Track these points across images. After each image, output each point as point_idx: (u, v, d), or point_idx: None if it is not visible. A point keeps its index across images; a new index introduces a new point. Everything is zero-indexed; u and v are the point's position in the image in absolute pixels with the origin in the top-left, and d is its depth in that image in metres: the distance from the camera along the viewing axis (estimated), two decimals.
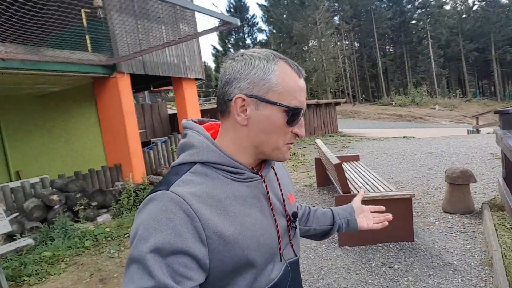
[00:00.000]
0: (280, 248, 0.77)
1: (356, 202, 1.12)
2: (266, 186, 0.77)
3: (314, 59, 37.71)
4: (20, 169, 7.92)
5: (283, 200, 0.82)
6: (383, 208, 1.11)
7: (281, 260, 0.78)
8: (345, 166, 5.11)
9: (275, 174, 0.84)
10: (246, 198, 0.72)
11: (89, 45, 6.10)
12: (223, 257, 0.65)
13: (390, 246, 3.33)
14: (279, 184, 0.83)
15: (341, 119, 26.06)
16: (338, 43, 42.57)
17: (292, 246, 0.83)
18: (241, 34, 50.85)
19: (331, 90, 39.37)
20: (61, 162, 8.58)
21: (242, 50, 0.75)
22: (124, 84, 6.41)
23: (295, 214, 0.83)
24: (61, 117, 8.64)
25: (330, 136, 14.60)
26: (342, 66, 39.77)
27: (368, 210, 1.10)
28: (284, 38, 43.62)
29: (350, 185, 3.86)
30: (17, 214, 4.83)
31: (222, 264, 0.65)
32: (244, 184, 0.73)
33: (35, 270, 3.55)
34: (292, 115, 0.70)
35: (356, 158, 5.58)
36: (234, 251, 0.66)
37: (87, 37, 6.11)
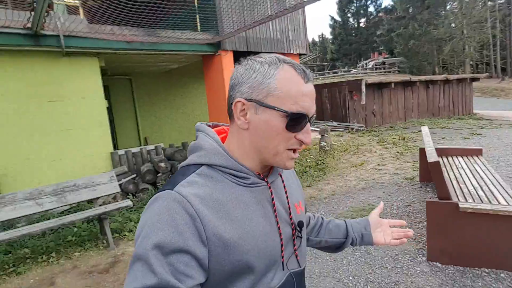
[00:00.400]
0: (282, 257, 0.77)
1: (373, 215, 1.08)
2: (271, 193, 0.77)
3: (453, 25, 31.83)
4: (148, 135, 9.33)
5: (289, 208, 0.81)
6: (403, 222, 1.06)
7: (283, 269, 0.77)
8: (459, 161, 4.18)
9: (282, 181, 0.83)
10: (250, 203, 0.72)
11: (198, 25, 6.51)
12: (222, 260, 0.65)
13: (502, 275, 2.60)
14: (286, 192, 0.82)
15: (480, 98, 21.69)
16: (490, 3, 34.58)
17: (296, 256, 0.82)
18: (363, 1, 46.65)
19: (471, 62, 32.87)
20: (178, 132, 9.76)
21: (251, 56, 0.75)
22: (227, 61, 6.68)
23: (301, 223, 0.83)
24: (179, 90, 9.72)
25: (459, 118, 12.34)
26: (491, 32, 32.43)
27: (387, 224, 1.07)
28: (414, 2, 37.99)
29: (455, 188, 3.13)
30: (135, 175, 5.72)
31: (221, 267, 0.66)
32: (248, 189, 0.73)
33: (134, 227, 4.16)
34: (291, 120, 0.68)
35: (477, 152, 4.49)
36: (233, 255, 0.66)
37: (197, 17, 6.51)
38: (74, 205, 4.45)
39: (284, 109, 0.68)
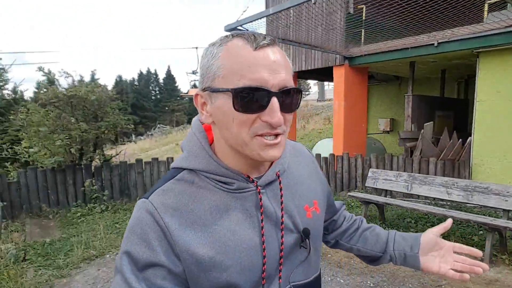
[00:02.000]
0: (280, 271, 0.68)
1: (430, 234, 0.84)
2: (260, 199, 0.66)
3: None
4: None
5: (289, 214, 0.70)
6: (479, 253, 0.83)
7: (279, 286, 0.68)
8: None
9: (279, 182, 0.70)
10: (234, 212, 0.64)
11: None
12: (198, 277, 0.60)
13: None
14: (281, 196, 0.69)
15: None
16: None
17: (292, 267, 0.71)
18: None
19: None
20: None
21: None
22: None
23: (306, 231, 0.70)
24: None
25: None
26: None
27: (450, 248, 0.83)
28: None
29: None
30: None
31: (199, 286, 0.61)
32: (233, 195, 0.65)
33: None
34: (237, 98, 0.56)
35: None
36: (210, 273, 0.60)
37: None
38: (477, 206, 4.18)
39: (227, 87, 0.57)
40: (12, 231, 4.63)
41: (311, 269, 0.76)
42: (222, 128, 0.62)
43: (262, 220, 0.66)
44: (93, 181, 5.72)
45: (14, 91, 9.53)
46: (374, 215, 4.92)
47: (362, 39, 6.95)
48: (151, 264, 0.59)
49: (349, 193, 4.86)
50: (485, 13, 5.36)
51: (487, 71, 5.24)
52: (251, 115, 0.58)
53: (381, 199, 4.45)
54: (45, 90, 6.02)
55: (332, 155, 6.72)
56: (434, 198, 4.39)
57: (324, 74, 8.35)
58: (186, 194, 0.64)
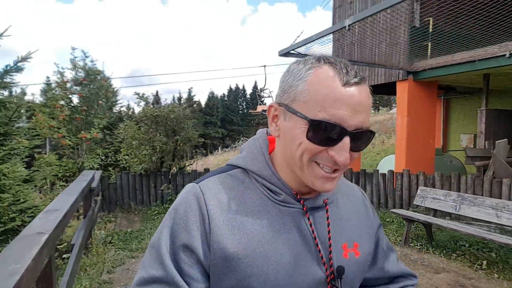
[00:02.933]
0: None
1: None
2: (308, 218, 0.65)
3: None
4: None
5: (329, 246, 0.66)
6: None
7: None
8: None
9: (326, 211, 0.69)
10: (273, 222, 0.63)
11: None
12: (221, 273, 0.60)
13: None
14: (328, 225, 0.67)
15: None
16: None
17: None
18: None
19: None
20: None
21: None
22: None
23: (340, 269, 0.65)
24: None
25: None
26: None
27: None
28: None
29: None
30: None
31: (219, 282, 0.60)
32: (278, 206, 0.65)
33: None
34: (312, 129, 0.57)
35: None
36: (234, 272, 0.59)
37: None
38: None
39: (307, 115, 0.57)
40: (106, 221, 5.94)
41: None
42: (286, 146, 0.63)
43: (315, 238, 0.65)
44: (169, 185, 6.84)
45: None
46: (421, 235, 4.75)
47: (429, 52, 6.70)
48: (184, 247, 0.60)
49: (391, 210, 4.82)
50: None
51: None
52: (320, 147, 0.58)
53: (422, 217, 4.33)
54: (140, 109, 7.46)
55: (391, 171, 6.56)
56: (482, 221, 4.06)
57: (389, 88, 8.18)
58: (234, 190, 0.65)
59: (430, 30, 6.61)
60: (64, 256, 3.84)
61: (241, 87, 57.26)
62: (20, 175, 4.14)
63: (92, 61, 8.71)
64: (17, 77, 4.68)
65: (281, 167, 0.67)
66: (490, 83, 7.01)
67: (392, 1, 4.03)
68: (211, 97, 52.82)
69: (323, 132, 0.56)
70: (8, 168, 3.87)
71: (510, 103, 8.41)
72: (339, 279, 0.65)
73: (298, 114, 0.58)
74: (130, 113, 13.60)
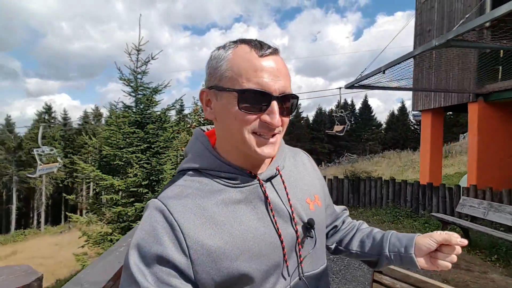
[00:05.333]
0: (285, 260, 0.69)
1: (430, 239, 0.77)
2: (264, 191, 0.70)
3: None
4: None
5: (291, 205, 0.73)
6: (464, 242, 0.75)
7: (288, 273, 0.70)
8: None
9: (280, 176, 0.75)
10: (239, 205, 0.68)
11: None
12: (209, 269, 0.62)
13: None
14: (285, 188, 0.74)
15: None
16: None
17: (301, 258, 0.73)
18: None
19: None
20: None
21: None
22: None
23: (311, 221, 0.74)
24: None
25: None
26: None
27: (454, 247, 0.76)
28: None
29: None
30: None
31: (210, 277, 0.62)
32: (238, 189, 0.69)
33: None
34: (242, 98, 0.63)
35: None
36: (221, 263, 0.62)
37: None
38: None
39: (235, 88, 0.63)
40: None
41: (318, 260, 0.78)
42: (224, 125, 0.68)
43: (271, 210, 0.70)
44: None
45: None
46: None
47: (500, 75, 7.07)
48: (157, 258, 0.60)
49: (431, 213, 5.71)
50: None
51: None
52: (253, 115, 0.63)
53: (451, 219, 5.21)
54: None
55: (458, 186, 7.13)
56: (501, 224, 4.67)
57: (461, 108, 8.51)
58: (193, 191, 0.67)
59: (501, 55, 7.00)
60: None
61: (349, 102, 57.09)
62: (170, 172, 6.87)
63: None
64: (158, 96, 7.25)
65: (228, 152, 0.71)
66: None
67: (467, 27, 3.88)
68: (319, 113, 54.34)
69: (252, 100, 0.63)
70: (167, 167, 6.62)
71: None
72: (312, 229, 0.74)
73: (227, 89, 0.63)
74: None
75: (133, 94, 7.20)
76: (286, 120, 0.69)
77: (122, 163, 6.43)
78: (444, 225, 5.40)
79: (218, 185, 0.69)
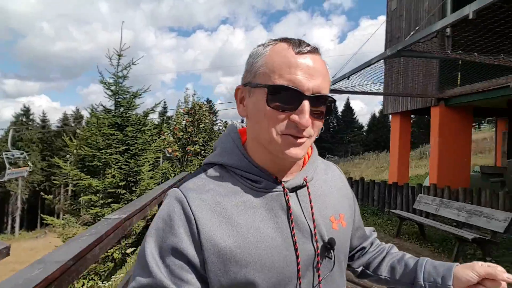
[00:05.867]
0: (299, 278, 0.65)
1: (472, 271, 0.71)
2: (288, 200, 0.67)
3: None
4: None
5: (313, 221, 0.69)
6: (511, 278, 0.67)
7: None
8: None
9: (307, 187, 0.71)
10: (259, 210, 0.65)
11: None
12: (217, 270, 0.61)
13: None
14: (310, 201, 0.70)
15: None
16: None
17: (319, 278, 0.68)
18: None
19: None
20: None
21: None
22: None
23: (331, 241, 0.69)
24: None
25: None
26: None
27: (499, 283, 0.69)
28: None
29: None
30: None
31: (218, 278, 0.61)
32: (260, 194, 0.66)
33: None
34: (271, 95, 0.60)
35: None
36: (230, 266, 0.61)
37: None
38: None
39: (266, 83, 0.61)
40: None
41: (334, 284, 0.72)
42: (253, 123, 0.65)
43: (292, 221, 0.66)
44: None
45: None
46: (416, 232, 5.98)
47: (459, 81, 7.62)
48: (172, 250, 0.60)
49: (390, 210, 6.16)
50: None
51: None
52: (282, 114, 0.60)
53: (408, 215, 5.68)
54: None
55: (420, 185, 7.64)
56: (449, 218, 5.16)
57: (426, 113, 9.09)
58: (215, 187, 0.66)
59: (460, 62, 7.55)
60: None
61: None
62: (148, 174, 7.10)
63: (198, 98, 12.20)
64: (138, 100, 7.45)
65: (256, 153, 0.68)
66: None
67: (414, 39, 4.19)
68: None
69: (283, 97, 0.60)
70: (144, 168, 6.84)
71: None
72: (332, 250, 0.69)
73: (259, 85, 0.61)
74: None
75: (113, 97, 7.38)
76: (319, 123, 0.64)
77: (101, 164, 6.61)
78: (402, 221, 5.85)
79: (241, 185, 0.67)
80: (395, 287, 0.83)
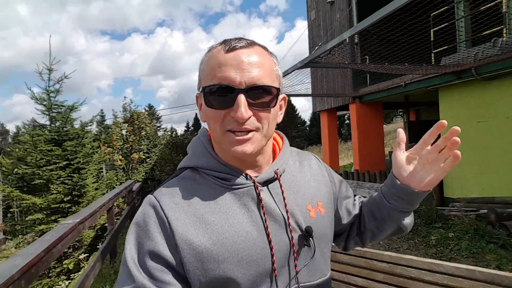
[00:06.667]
0: (274, 270, 0.66)
1: (396, 157, 0.74)
2: (258, 193, 0.68)
3: None
4: None
5: (287, 211, 0.70)
6: (456, 129, 0.65)
7: (280, 284, 0.67)
8: None
9: (278, 180, 0.72)
10: (232, 207, 0.67)
11: None
12: (196, 269, 0.62)
13: None
14: (283, 192, 0.71)
15: None
16: None
17: (296, 267, 0.69)
18: None
19: None
20: None
21: None
22: None
23: (308, 229, 0.70)
24: None
25: None
26: None
27: (423, 148, 0.71)
28: None
29: None
30: None
31: (197, 278, 0.62)
32: (231, 191, 0.68)
33: None
34: (205, 95, 0.64)
35: None
36: (208, 264, 0.62)
37: None
38: None
39: (203, 85, 0.65)
40: None
41: (317, 272, 0.73)
42: (208, 125, 0.69)
43: (264, 214, 0.67)
44: None
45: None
46: None
47: (368, 81, 8.94)
48: (150, 253, 0.61)
49: None
50: (433, 59, 6.82)
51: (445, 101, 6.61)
52: (221, 111, 0.63)
53: None
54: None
55: (346, 171, 8.83)
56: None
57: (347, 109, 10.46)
58: (187, 189, 0.68)
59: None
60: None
61: None
62: (93, 185, 7.26)
63: (136, 106, 12.25)
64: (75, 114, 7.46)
65: (222, 153, 0.70)
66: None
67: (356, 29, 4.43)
68: None
69: (216, 95, 0.62)
70: (89, 181, 7.01)
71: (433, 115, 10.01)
72: (310, 238, 0.69)
73: (200, 89, 0.66)
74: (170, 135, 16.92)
75: (47, 113, 7.36)
76: (264, 114, 0.65)
77: (43, 180, 6.64)
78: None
79: (212, 185, 0.68)
80: (385, 228, 0.82)
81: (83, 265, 5.16)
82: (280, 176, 0.72)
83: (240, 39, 0.65)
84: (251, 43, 0.66)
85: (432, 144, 0.70)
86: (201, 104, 0.69)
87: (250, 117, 0.63)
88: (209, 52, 0.67)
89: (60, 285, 4.14)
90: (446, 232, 4.59)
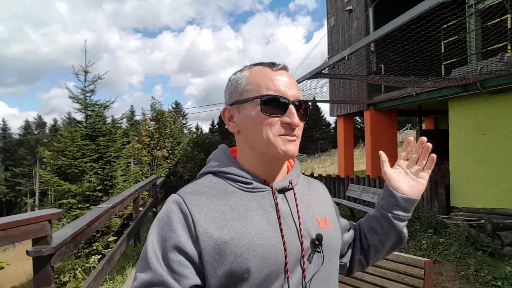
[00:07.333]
0: (287, 271, 0.69)
1: (384, 174, 0.87)
2: (275, 198, 0.74)
3: None
4: None
5: (299, 218, 0.75)
6: (423, 139, 0.83)
7: (288, 285, 0.69)
8: None
9: (294, 193, 0.78)
10: (250, 206, 0.72)
11: None
12: (214, 261, 0.65)
13: None
14: (296, 200, 0.77)
15: None
16: None
17: (304, 271, 0.71)
18: None
19: None
20: None
21: None
22: None
23: (319, 236, 0.75)
24: None
25: None
26: None
27: (405, 163, 0.89)
28: None
29: None
30: None
31: (213, 269, 0.65)
32: (251, 194, 0.74)
33: None
34: (264, 103, 0.71)
35: None
36: (226, 257, 0.65)
37: None
38: None
39: (257, 95, 0.72)
40: None
41: (327, 283, 0.77)
42: (249, 133, 0.75)
43: (279, 217, 0.72)
44: None
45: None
46: (349, 214, 7.43)
47: (383, 89, 9.18)
48: (174, 247, 0.65)
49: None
50: (443, 72, 7.01)
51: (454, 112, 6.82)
52: (275, 117, 0.72)
53: (339, 200, 7.10)
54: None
55: (357, 177, 9.14)
56: (365, 201, 6.65)
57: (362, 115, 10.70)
58: (209, 189, 0.73)
59: (383, 73, 9.11)
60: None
61: None
62: (121, 178, 8.05)
63: (160, 105, 13.18)
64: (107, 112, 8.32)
65: (247, 162, 0.77)
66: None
67: (354, 48, 4.77)
68: None
69: (273, 104, 0.71)
70: (118, 173, 7.80)
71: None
72: (320, 245, 0.74)
73: (250, 98, 0.72)
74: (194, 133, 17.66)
75: (83, 111, 8.22)
76: (302, 125, 0.76)
77: (78, 171, 7.48)
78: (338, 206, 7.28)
79: (232, 188, 0.73)
80: (387, 240, 0.88)
81: (112, 246, 5.88)
82: (294, 186, 0.79)
83: (276, 63, 0.76)
84: (286, 67, 0.78)
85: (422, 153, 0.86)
86: (231, 116, 0.78)
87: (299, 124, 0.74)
88: (245, 70, 0.77)
89: (93, 258, 4.86)
90: (438, 238, 4.88)
